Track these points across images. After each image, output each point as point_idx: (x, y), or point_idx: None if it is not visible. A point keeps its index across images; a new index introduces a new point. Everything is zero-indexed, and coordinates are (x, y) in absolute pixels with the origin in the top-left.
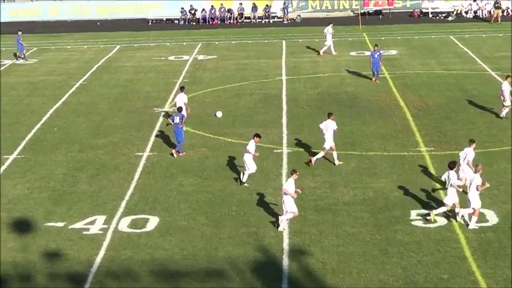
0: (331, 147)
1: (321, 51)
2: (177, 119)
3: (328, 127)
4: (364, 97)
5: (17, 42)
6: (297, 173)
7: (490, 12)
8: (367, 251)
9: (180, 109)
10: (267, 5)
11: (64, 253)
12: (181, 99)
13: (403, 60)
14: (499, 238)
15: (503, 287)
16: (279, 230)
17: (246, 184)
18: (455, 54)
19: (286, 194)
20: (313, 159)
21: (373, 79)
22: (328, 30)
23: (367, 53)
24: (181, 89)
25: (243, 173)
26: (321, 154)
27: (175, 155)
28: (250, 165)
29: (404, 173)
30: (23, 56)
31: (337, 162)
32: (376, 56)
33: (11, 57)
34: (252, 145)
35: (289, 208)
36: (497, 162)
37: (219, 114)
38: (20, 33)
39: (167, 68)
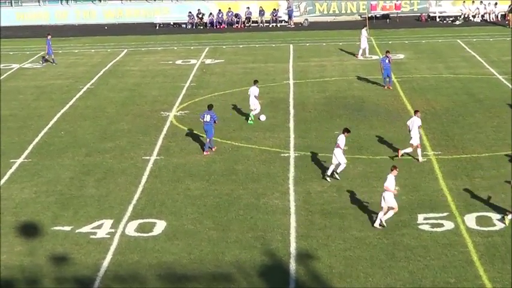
0: (417, 145)
1: (359, 55)
2: (207, 117)
3: (414, 123)
4: (371, 101)
5: (47, 46)
6: (397, 169)
7: (497, 16)
8: (374, 255)
9: (210, 107)
10: (274, 9)
11: (71, 257)
12: (254, 92)
13: (410, 64)
14: (506, 242)
15: None
16: (374, 225)
17: (338, 177)
18: (463, 58)
19: (386, 191)
20: (401, 152)
21: (386, 86)
22: (363, 33)
23: (375, 57)
24: (255, 82)
25: (331, 168)
26: (408, 149)
27: (207, 153)
28: (340, 159)
29: (412, 177)
30: (52, 60)
31: (420, 159)
32: (387, 61)
33: (18, 61)
34: (342, 139)
35: (391, 204)
36: (504, 166)
37: (263, 118)
38: (49, 36)
39: (174, 72)
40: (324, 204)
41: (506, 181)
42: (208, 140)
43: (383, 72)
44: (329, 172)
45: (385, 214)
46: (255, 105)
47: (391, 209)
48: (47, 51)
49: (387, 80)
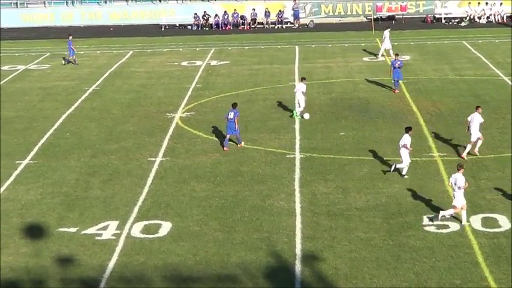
0: (478, 138)
1: (379, 55)
2: (231, 115)
3: (474, 119)
4: (377, 102)
5: (68, 47)
6: (463, 167)
7: (502, 17)
8: (379, 256)
9: (234, 105)
10: (280, 11)
11: (77, 258)
12: (301, 88)
13: (416, 66)
14: (511, 243)
15: None
16: (462, 224)
17: (405, 176)
18: (468, 59)
19: (460, 188)
20: (464, 154)
21: (395, 90)
22: (386, 34)
23: (381, 59)
24: (302, 79)
25: (395, 166)
26: (468, 148)
27: (227, 149)
28: (405, 158)
29: (417, 179)
30: (73, 61)
31: (464, 155)
32: (397, 65)
33: (24, 63)
34: (407, 139)
35: (461, 202)
36: (510, 168)
37: (307, 116)
38: (70, 37)
39: (180, 74)
40: (329, 206)
41: None
42: (228, 135)
43: (393, 75)
44: (404, 172)
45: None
46: (302, 102)
47: (460, 206)
48: (69, 53)
49: (396, 82)
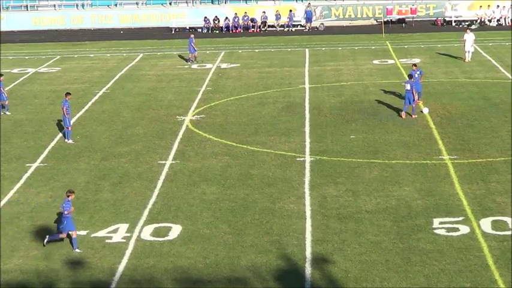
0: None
1: (466, 59)
2: None
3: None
4: (386, 105)
5: (189, 46)
6: None
7: None
8: (389, 259)
9: None
10: (290, 10)
11: (87, 261)
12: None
13: (426, 69)
14: None
15: None
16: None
17: None
18: (478, 62)
19: None
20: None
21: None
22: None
23: (390, 62)
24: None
25: None
26: None
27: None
28: None
29: (427, 181)
30: (193, 59)
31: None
32: (416, 75)
33: (34, 66)
34: None
35: None
36: None
37: (426, 110)
38: (192, 36)
39: (190, 77)
40: (339, 209)
41: None
42: None
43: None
44: None
45: None
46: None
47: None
48: (189, 51)
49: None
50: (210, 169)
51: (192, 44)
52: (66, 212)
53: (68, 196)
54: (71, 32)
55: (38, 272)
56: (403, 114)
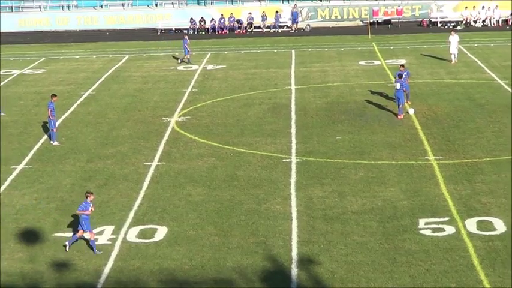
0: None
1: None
2: None
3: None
4: (372, 106)
5: (183, 46)
6: None
7: (497, 21)
8: (375, 260)
9: None
10: (276, 11)
11: (72, 263)
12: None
13: (412, 70)
14: (506, 246)
15: None
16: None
17: None
18: (464, 63)
19: None
20: None
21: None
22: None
23: (376, 63)
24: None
25: None
26: None
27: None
28: None
29: (413, 182)
30: (187, 61)
31: None
32: (404, 75)
33: (19, 67)
34: None
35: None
36: (505, 171)
37: (412, 111)
38: (186, 37)
39: (176, 78)
40: (325, 210)
41: None
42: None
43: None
44: None
45: None
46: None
47: None
48: (184, 52)
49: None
50: (196, 170)
51: (186, 45)
52: (80, 212)
53: (87, 197)
54: (56, 33)
55: (23, 275)
56: (400, 116)
